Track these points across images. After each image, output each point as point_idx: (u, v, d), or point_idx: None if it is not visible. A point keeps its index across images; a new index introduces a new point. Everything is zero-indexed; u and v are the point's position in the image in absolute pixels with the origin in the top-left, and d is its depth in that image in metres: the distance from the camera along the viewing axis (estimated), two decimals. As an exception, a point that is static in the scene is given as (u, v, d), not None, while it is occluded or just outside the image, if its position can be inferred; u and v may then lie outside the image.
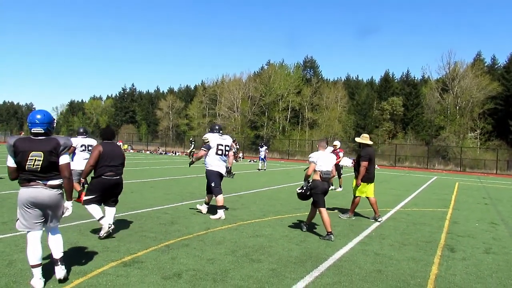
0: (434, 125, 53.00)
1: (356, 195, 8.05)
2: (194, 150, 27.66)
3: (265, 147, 23.06)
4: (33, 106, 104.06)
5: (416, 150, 47.98)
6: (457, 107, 50.63)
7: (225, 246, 5.47)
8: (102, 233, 5.59)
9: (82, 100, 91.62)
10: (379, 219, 7.81)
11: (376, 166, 10.40)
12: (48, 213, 3.99)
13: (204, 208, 7.83)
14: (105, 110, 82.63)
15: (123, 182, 6.06)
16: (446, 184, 18.66)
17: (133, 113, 78.41)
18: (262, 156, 22.39)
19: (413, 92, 60.70)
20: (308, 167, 6.47)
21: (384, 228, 7.24)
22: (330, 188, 11.34)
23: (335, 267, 4.78)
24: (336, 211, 8.95)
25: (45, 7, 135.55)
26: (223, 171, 7.67)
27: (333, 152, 12.98)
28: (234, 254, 5.09)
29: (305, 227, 6.77)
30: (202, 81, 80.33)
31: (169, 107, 70.29)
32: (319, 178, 6.38)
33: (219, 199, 7.47)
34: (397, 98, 60.31)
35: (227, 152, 7.72)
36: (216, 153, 7.54)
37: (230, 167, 7.93)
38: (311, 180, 6.52)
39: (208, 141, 7.56)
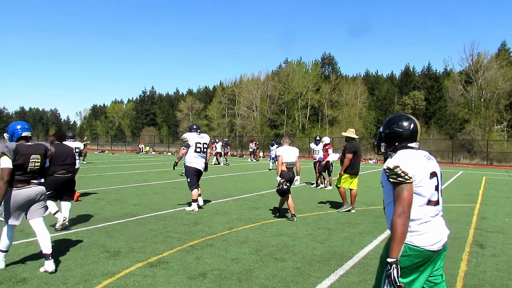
0: (458, 119, 51.84)
1: (339, 185, 8.43)
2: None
3: (276, 146, 22.26)
4: (58, 112, 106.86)
5: (440, 144, 46.96)
6: (482, 99, 49.37)
7: (248, 245, 5.49)
8: (58, 225, 6.11)
9: (104, 104, 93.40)
10: (353, 211, 8.29)
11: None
12: (35, 206, 4.51)
13: (195, 207, 8.10)
14: (126, 114, 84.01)
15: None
16: (473, 178, 18.21)
17: (154, 115, 79.47)
18: (273, 155, 21.23)
19: (435, 86, 59.46)
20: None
21: (409, 225, 7.11)
22: (319, 187, 11.36)
23: (360, 265, 4.73)
24: (336, 211, 8.85)
25: (65, 12, 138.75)
26: (200, 167, 8.31)
27: (323, 148, 12.94)
28: (258, 254, 5.10)
29: (277, 212, 7.77)
30: (220, 81, 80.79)
31: (189, 108, 70.95)
32: (285, 169, 7.37)
33: (194, 193, 8.11)
34: (418, 92, 59.21)
35: (205, 149, 8.35)
36: (195, 151, 8.18)
37: (207, 162, 8.62)
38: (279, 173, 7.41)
39: (187, 140, 8.20)
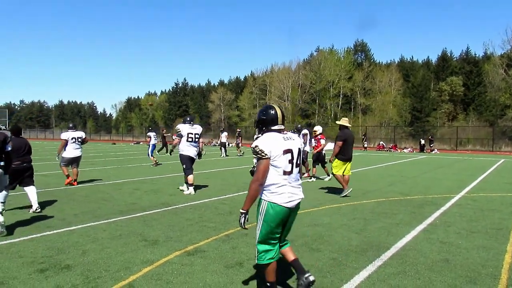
0: (499, 104, 49.55)
1: (334, 172, 8.85)
2: (239, 142, 27.15)
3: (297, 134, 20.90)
4: (94, 105, 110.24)
5: (480, 132, 45.08)
6: (525, 84, 46.92)
7: (283, 235, 5.48)
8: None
9: (138, 96, 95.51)
10: (347, 191, 8.67)
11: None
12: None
13: (185, 188, 9.13)
14: (160, 105, 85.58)
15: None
16: (515, 167, 17.41)
17: (186, 107, 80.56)
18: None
19: (474, 71, 56.97)
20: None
21: (449, 215, 6.90)
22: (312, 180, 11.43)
23: (398, 256, 4.63)
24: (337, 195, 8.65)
25: (98, 9, 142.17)
26: (193, 154, 9.09)
27: (314, 138, 12.12)
28: (294, 243, 5.08)
29: None
30: (251, 71, 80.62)
31: (220, 99, 71.42)
32: None
33: (190, 178, 8.97)
34: (456, 77, 56.92)
35: (197, 139, 9.16)
36: (187, 140, 8.98)
37: (201, 151, 9.50)
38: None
39: (180, 131, 9.01)
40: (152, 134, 17.48)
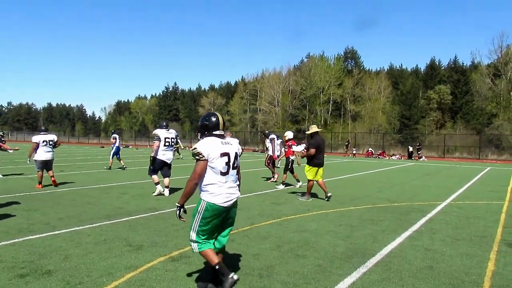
0: (485, 113, 50.33)
1: (310, 179, 9.10)
2: None
3: (280, 140, 19.77)
4: (83, 108, 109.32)
5: (467, 140, 45.67)
6: (511, 93, 47.72)
7: (270, 241, 5.47)
8: None
9: (128, 100, 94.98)
10: (329, 194, 9.04)
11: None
12: None
13: (160, 189, 9.37)
14: (150, 109, 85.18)
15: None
16: (501, 175, 17.67)
17: (177, 111, 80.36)
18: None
19: (462, 79, 57.84)
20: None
21: (434, 222, 6.95)
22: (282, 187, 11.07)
23: (383, 263, 4.64)
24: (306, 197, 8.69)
25: (89, 10, 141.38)
26: (167, 159, 9.45)
27: (285, 144, 11.93)
28: (279, 250, 5.08)
29: None
30: (242, 76, 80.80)
31: (211, 103, 71.35)
32: None
33: (154, 178, 9.39)
34: (444, 86, 57.71)
35: (173, 143, 9.62)
36: (164, 145, 9.33)
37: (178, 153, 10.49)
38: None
39: (158, 135, 9.34)
40: (116, 136, 17.37)
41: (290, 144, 11.73)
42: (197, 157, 3.55)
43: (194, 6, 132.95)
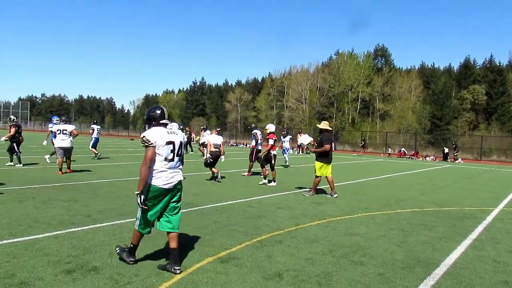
0: (523, 115, 48.09)
1: (318, 175, 9.06)
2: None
3: (289, 137, 18.63)
4: (113, 100, 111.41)
5: (502, 142, 43.80)
6: (552, 95, 45.50)
7: (320, 244, 5.13)
8: None
9: (156, 94, 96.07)
10: (335, 195, 8.98)
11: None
12: None
13: None
14: (177, 103, 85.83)
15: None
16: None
17: (203, 105, 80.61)
18: (286, 148, 17.77)
19: (498, 79, 55.67)
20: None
21: (493, 230, 6.44)
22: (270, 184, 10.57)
23: (451, 275, 4.23)
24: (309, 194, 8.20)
25: (117, 7, 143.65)
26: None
27: (266, 138, 11.24)
28: (333, 254, 4.73)
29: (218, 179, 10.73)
30: (269, 73, 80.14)
31: (237, 99, 71.18)
32: (213, 149, 10.91)
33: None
34: (479, 86, 55.69)
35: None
36: None
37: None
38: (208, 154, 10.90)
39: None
40: (96, 126, 17.20)
41: (268, 138, 11.16)
42: (146, 144, 3.92)
43: (224, 2, 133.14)
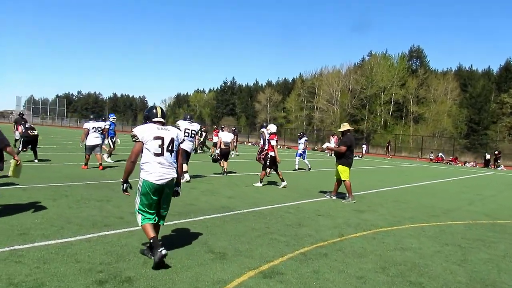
0: None
1: (345, 179, 8.67)
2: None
3: (305, 138, 16.32)
4: (145, 99, 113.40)
5: (546, 149, 41.39)
6: None
7: (370, 260, 4.66)
8: None
9: (187, 93, 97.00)
10: (333, 198, 8.87)
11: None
12: None
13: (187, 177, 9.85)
14: (207, 103, 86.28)
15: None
16: None
17: (233, 105, 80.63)
18: (300, 151, 15.75)
19: (541, 83, 52.80)
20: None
21: (562, 249, 5.76)
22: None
23: (528, 303, 3.68)
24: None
25: (149, 8, 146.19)
26: (188, 148, 9.91)
27: (268, 138, 10.31)
28: (386, 273, 4.26)
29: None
30: (300, 73, 79.32)
31: (267, 100, 70.76)
32: (223, 146, 11.78)
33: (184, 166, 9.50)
34: (521, 90, 53.02)
35: (193, 135, 10.08)
36: (184, 135, 9.39)
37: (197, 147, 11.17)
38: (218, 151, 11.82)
39: (179, 126, 9.73)
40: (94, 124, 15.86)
41: (268, 139, 10.22)
42: (133, 139, 4.19)
43: (254, 3, 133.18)
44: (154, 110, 4.47)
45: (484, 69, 63.13)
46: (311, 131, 58.80)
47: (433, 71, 60.04)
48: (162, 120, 4.41)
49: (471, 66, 65.52)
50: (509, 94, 53.49)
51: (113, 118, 14.53)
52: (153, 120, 4.37)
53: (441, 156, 31.92)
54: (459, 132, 53.03)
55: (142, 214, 4.19)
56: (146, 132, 4.17)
